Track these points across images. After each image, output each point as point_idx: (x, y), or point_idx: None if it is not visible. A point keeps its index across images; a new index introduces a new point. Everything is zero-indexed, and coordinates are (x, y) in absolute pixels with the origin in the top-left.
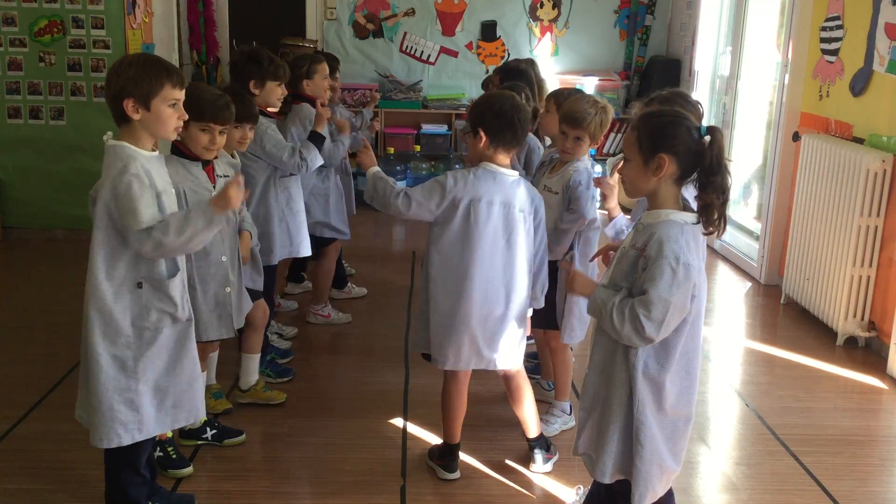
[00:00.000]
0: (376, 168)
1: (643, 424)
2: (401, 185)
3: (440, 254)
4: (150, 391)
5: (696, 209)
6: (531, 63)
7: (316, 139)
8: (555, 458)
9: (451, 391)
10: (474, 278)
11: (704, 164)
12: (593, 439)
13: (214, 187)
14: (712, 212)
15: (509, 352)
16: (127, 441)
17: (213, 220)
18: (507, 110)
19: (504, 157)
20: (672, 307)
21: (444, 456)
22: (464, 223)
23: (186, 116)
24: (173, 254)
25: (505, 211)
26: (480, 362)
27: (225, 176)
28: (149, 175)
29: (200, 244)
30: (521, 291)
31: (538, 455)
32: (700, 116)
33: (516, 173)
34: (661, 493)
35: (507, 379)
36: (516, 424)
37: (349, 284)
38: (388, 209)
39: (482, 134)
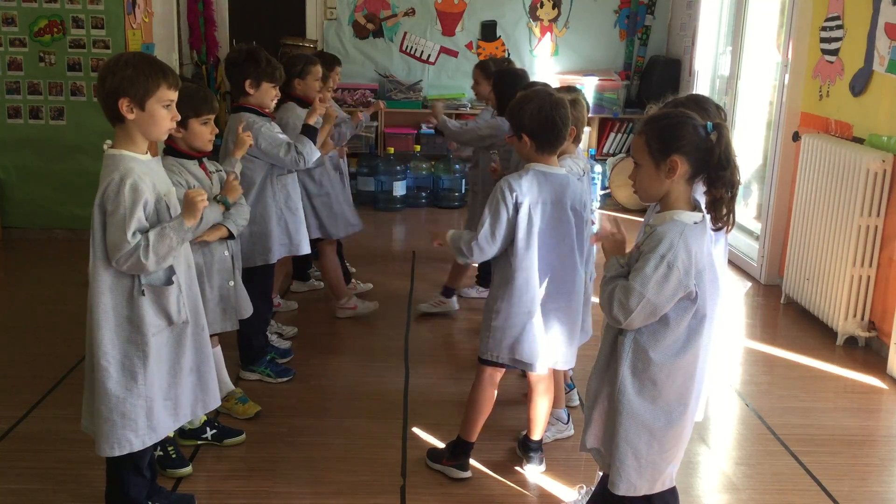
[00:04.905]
0: (450, 232)
1: (620, 414)
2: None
3: (516, 263)
4: (160, 395)
5: (704, 205)
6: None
7: (309, 133)
8: (542, 468)
9: (486, 390)
10: (554, 280)
11: (713, 161)
12: (600, 435)
13: (212, 183)
14: (721, 207)
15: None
16: (138, 447)
17: (187, 232)
18: (548, 111)
19: (551, 157)
20: (646, 301)
21: (459, 455)
22: (528, 229)
23: (179, 117)
24: (147, 270)
25: (560, 210)
26: (570, 359)
27: (218, 171)
28: (151, 182)
29: (172, 259)
30: (581, 287)
31: (526, 456)
32: (723, 119)
33: (563, 170)
34: (642, 487)
35: (538, 376)
36: (516, 426)
37: (353, 280)
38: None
39: (526, 139)
